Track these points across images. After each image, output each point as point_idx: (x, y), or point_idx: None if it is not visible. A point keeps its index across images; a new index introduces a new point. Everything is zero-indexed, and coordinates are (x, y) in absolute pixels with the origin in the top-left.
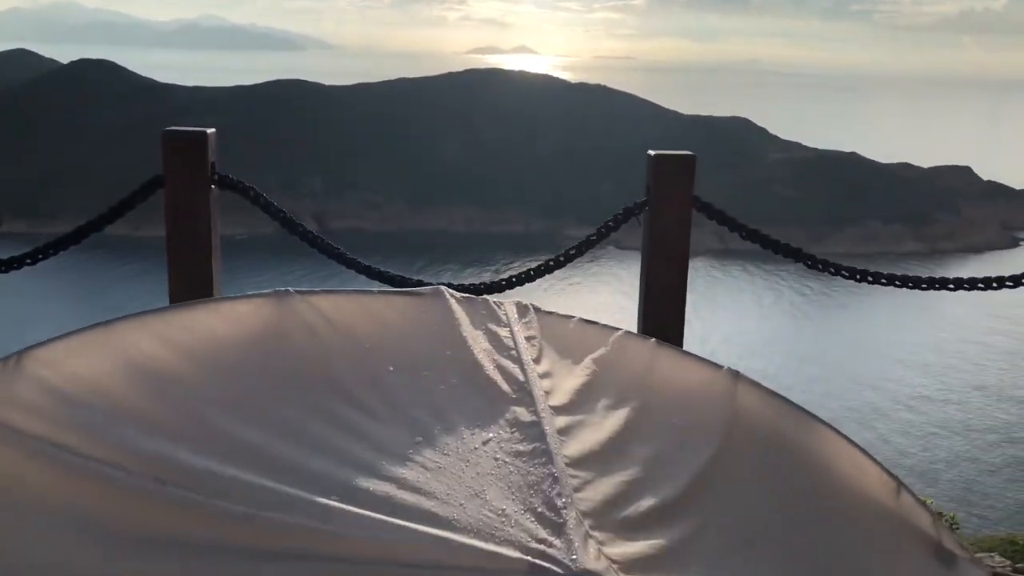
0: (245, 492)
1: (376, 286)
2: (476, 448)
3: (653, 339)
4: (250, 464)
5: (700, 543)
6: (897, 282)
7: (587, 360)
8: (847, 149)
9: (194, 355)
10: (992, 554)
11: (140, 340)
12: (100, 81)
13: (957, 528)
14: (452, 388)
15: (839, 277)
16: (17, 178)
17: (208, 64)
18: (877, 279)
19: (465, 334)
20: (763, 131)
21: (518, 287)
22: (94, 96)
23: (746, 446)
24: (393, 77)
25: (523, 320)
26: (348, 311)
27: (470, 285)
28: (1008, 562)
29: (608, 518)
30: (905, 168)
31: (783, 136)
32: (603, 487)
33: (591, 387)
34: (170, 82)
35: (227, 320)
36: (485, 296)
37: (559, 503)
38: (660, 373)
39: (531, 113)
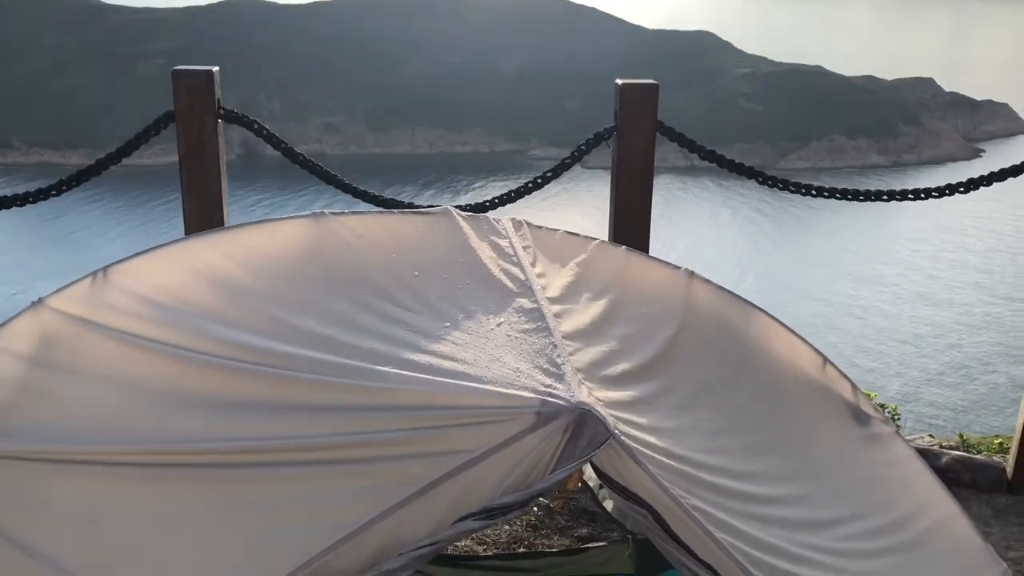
0: (306, 364)
1: (364, 207)
2: (492, 329)
3: (624, 247)
4: (310, 345)
5: (663, 396)
6: (837, 195)
7: (572, 263)
8: (812, 63)
9: (250, 265)
10: (922, 435)
11: (204, 254)
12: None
13: (898, 419)
14: (467, 287)
15: (790, 192)
16: None
17: None
18: (820, 193)
19: (473, 245)
20: (728, 45)
21: (500, 207)
22: (39, 20)
23: (699, 327)
24: None
25: (518, 233)
26: (374, 228)
27: (458, 206)
28: (935, 440)
29: (594, 375)
30: (869, 80)
31: (748, 51)
32: (589, 354)
33: (576, 284)
34: (118, 3)
35: (274, 237)
36: (485, 214)
37: (559, 361)
38: (630, 273)
39: (493, 32)
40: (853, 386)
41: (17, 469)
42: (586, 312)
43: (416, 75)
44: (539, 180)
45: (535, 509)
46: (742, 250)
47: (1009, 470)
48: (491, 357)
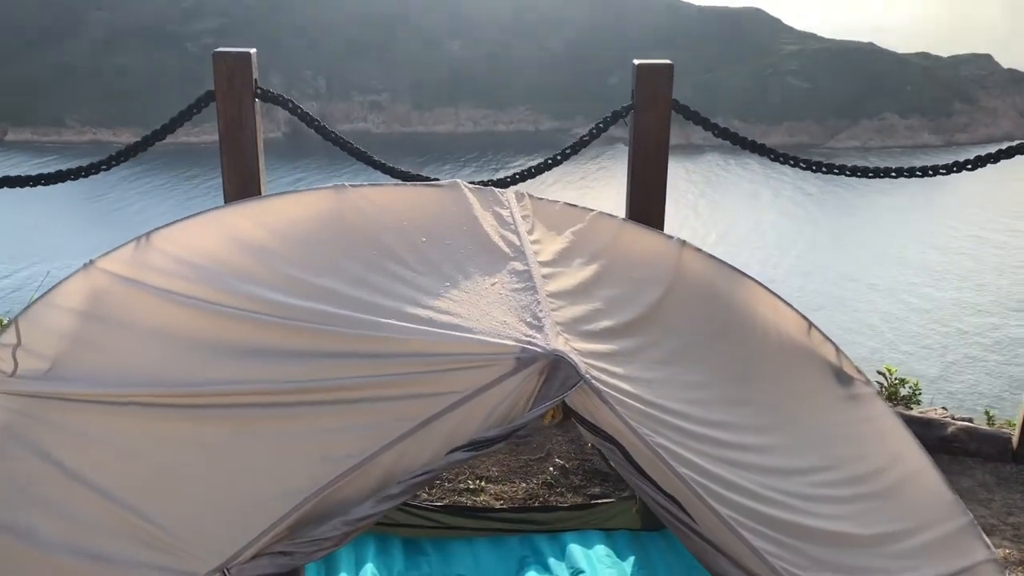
0: (322, 317)
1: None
2: (486, 288)
3: (620, 217)
4: (325, 300)
5: (643, 351)
6: (847, 172)
7: (567, 232)
8: (864, 39)
9: (278, 231)
10: (935, 408)
11: (237, 222)
12: None
13: (919, 394)
14: (468, 251)
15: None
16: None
17: None
18: (830, 170)
19: (476, 214)
20: (777, 21)
21: (520, 183)
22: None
23: (686, 291)
24: None
25: (520, 204)
26: (388, 198)
27: (481, 181)
28: (947, 412)
29: (575, 329)
30: (923, 58)
31: (798, 27)
32: (573, 311)
33: (570, 250)
34: None
35: (299, 206)
36: (491, 187)
37: (540, 316)
38: (623, 241)
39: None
40: (837, 349)
41: (71, 409)
42: (575, 275)
43: (460, 53)
44: (558, 157)
45: (551, 469)
46: (783, 231)
47: (1015, 440)
48: (482, 312)
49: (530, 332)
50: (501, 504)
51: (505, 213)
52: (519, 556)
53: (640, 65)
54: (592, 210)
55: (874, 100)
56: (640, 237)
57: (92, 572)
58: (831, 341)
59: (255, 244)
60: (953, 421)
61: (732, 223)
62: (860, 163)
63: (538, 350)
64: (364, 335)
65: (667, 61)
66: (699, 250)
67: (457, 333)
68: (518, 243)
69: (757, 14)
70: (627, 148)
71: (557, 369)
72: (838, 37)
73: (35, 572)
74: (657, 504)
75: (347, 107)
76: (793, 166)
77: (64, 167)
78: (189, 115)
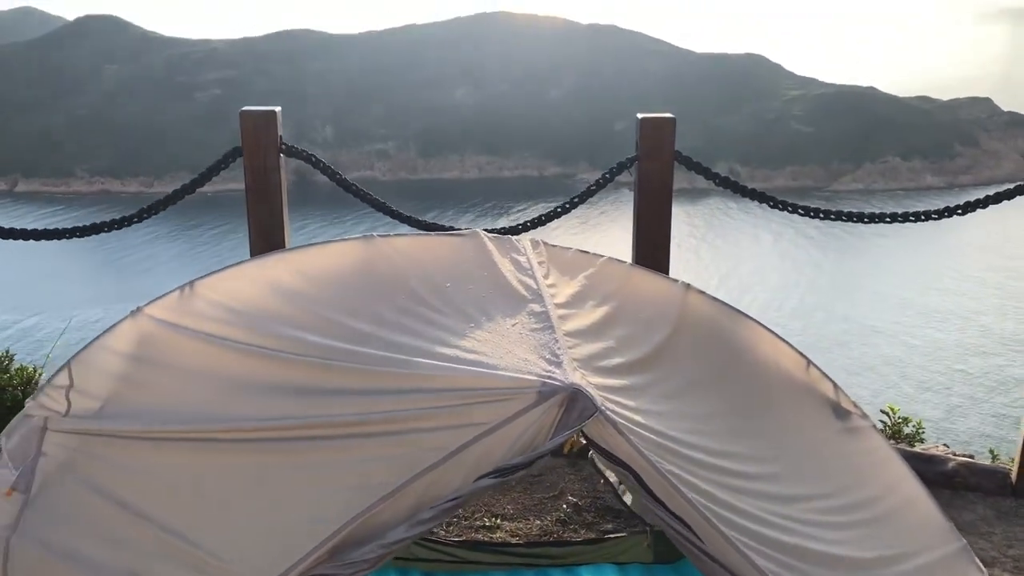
0: (357, 357)
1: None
2: (507, 328)
3: (628, 262)
4: (359, 342)
5: (653, 386)
6: (844, 218)
7: (581, 276)
8: (864, 83)
9: (313, 278)
10: (937, 444)
11: (275, 270)
12: (106, 36)
13: (922, 432)
14: (489, 294)
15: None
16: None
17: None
18: (827, 216)
19: (495, 260)
20: (778, 67)
21: (532, 230)
22: (100, 51)
23: (692, 331)
24: (399, 24)
25: (535, 250)
26: (414, 247)
27: (499, 228)
28: (948, 449)
29: (590, 365)
30: (924, 101)
31: (799, 72)
32: (588, 349)
33: (583, 293)
34: (175, 35)
35: (332, 255)
36: (508, 235)
37: (559, 353)
38: (632, 284)
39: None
40: (835, 385)
41: (122, 446)
42: (589, 316)
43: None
44: (567, 205)
45: (564, 507)
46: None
47: (1013, 475)
48: (505, 350)
49: (549, 368)
50: (516, 540)
51: (522, 259)
52: None
53: (644, 119)
54: (602, 256)
55: (876, 143)
56: (647, 280)
57: None
58: (829, 378)
59: (292, 290)
60: (954, 457)
61: (734, 267)
62: (864, 205)
63: (558, 384)
64: (396, 372)
65: (669, 115)
66: (703, 292)
67: (482, 369)
68: (535, 287)
69: (758, 60)
70: (629, 194)
71: (575, 401)
72: (838, 82)
73: None
74: (669, 526)
75: (353, 156)
76: (792, 212)
77: (75, 218)
78: (218, 169)
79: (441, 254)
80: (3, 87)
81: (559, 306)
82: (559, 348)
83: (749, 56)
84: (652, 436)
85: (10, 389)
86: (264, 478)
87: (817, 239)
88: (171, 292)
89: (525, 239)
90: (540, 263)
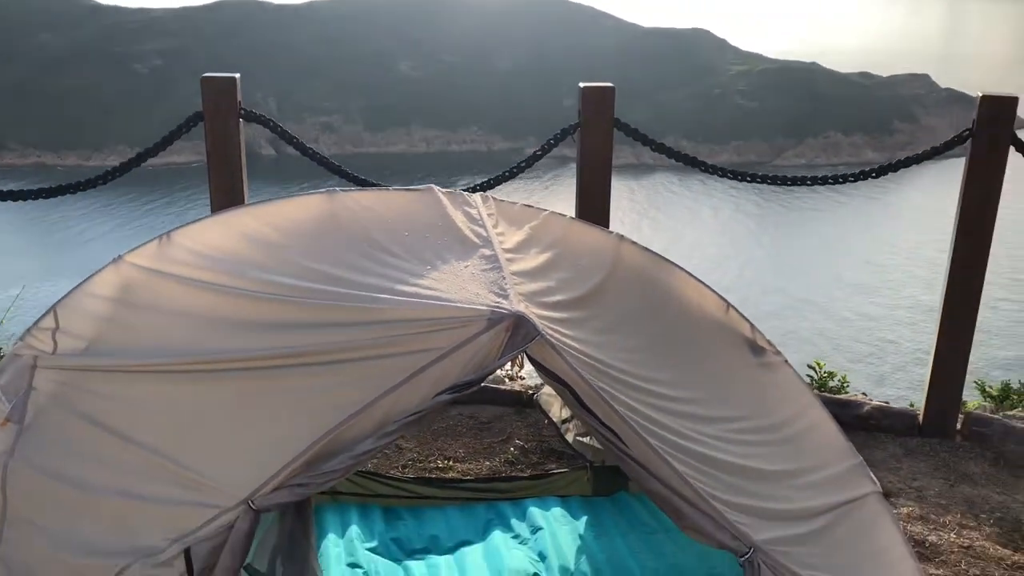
0: (325, 295)
1: None
2: (460, 269)
3: (569, 215)
4: (325, 282)
5: (588, 321)
6: (769, 181)
7: (526, 227)
8: (807, 59)
9: (280, 227)
10: (857, 393)
11: (245, 221)
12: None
13: (847, 386)
14: (444, 241)
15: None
16: None
17: None
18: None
19: (448, 212)
20: (724, 42)
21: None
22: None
23: (624, 275)
24: None
25: (485, 204)
26: (374, 200)
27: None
28: (867, 397)
29: (533, 300)
30: (865, 77)
31: (744, 47)
32: (532, 287)
33: (528, 241)
34: (113, 3)
35: (297, 208)
36: (460, 191)
37: (506, 288)
38: (572, 235)
39: (489, 30)
40: (752, 326)
41: (108, 379)
42: (533, 260)
43: (412, 74)
44: (513, 170)
45: (511, 449)
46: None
47: (920, 417)
48: (458, 287)
49: (498, 299)
50: (468, 476)
51: (473, 212)
52: (485, 519)
53: (585, 87)
54: (546, 210)
55: (818, 119)
56: (586, 232)
57: (136, 510)
58: (747, 319)
59: (261, 238)
60: (868, 401)
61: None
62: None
63: (504, 312)
64: (362, 307)
65: (610, 84)
66: (635, 243)
67: (438, 302)
68: (485, 235)
69: (704, 35)
70: (573, 168)
71: (520, 327)
72: (782, 58)
73: (86, 513)
74: (599, 434)
75: (299, 128)
76: (732, 178)
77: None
78: (179, 134)
79: (399, 207)
80: None
81: (506, 251)
82: (506, 284)
83: (695, 31)
84: (586, 360)
85: None
86: (242, 403)
87: (755, 215)
88: (150, 242)
89: (476, 195)
90: (489, 215)
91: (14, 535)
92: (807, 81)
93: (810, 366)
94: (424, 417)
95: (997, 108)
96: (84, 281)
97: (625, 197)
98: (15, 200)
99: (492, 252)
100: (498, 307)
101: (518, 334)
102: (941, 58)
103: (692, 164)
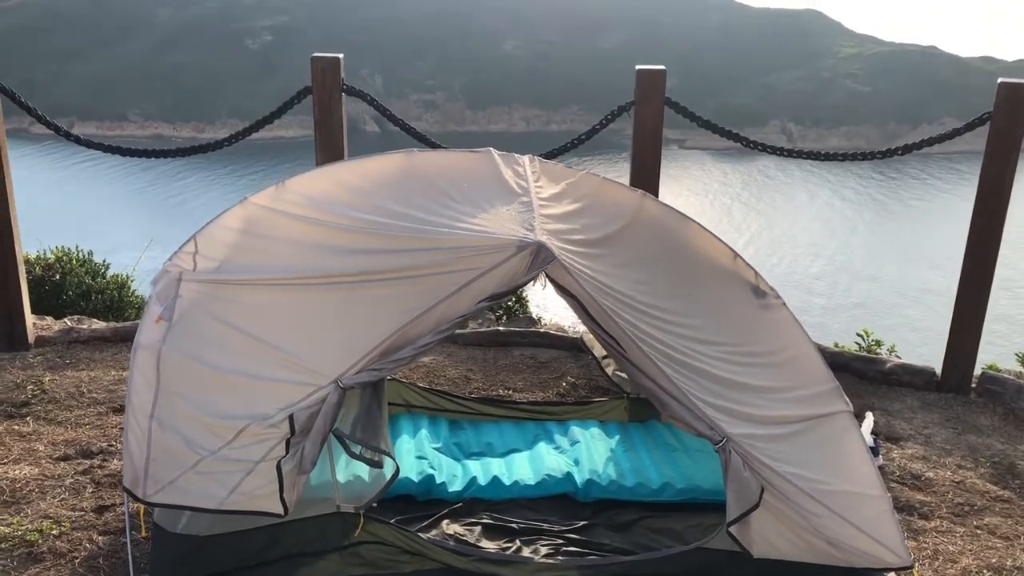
0: (400, 229)
1: None
2: (503, 211)
3: (601, 175)
4: (399, 218)
5: (605, 257)
6: (822, 157)
7: (563, 183)
8: (925, 42)
9: (368, 177)
10: (890, 354)
11: (341, 172)
12: None
13: (895, 351)
14: (494, 191)
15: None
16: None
17: None
18: (790, 154)
19: (500, 169)
20: (837, 25)
21: None
22: None
23: (643, 224)
24: None
25: (531, 164)
26: (442, 159)
27: None
28: (897, 355)
29: (557, 236)
30: (987, 62)
31: (858, 30)
32: (557, 226)
33: (562, 193)
34: None
35: (382, 162)
36: (512, 153)
37: (535, 225)
38: (602, 191)
39: (593, 10)
40: (756, 273)
41: (234, 289)
42: (564, 208)
43: (515, 52)
44: (568, 146)
45: (564, 384)
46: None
47: (939, 373)
48: (499, 224)
49: (526, 233)
50: (523, 399)
51: (520, 169)
52: (533, 434)
53: (640, 70)
54: (582, 171)
55: (934, 105)
56: (614, 189)
57: (254, 385)
58: (752, 267)
59: (353, 186)
60: (891, 359)
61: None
62: (918, 168)
63: (530, 241)
64: (424, 237)
65: (661, 67)
66: (656, 199)
67: (482, 233)
68: (526, 186)
69: (816, 16)
70: (681, 150)
71: (540, 252)
72: (898, 40)
73: (218, 387)
74: (603, 340)
75: (403, 105)
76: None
77: (135, 160)
78: (290, 105)
79: (461, 164)
80: (58, 33)
81: (541, 200)
82: (535, 223)
83: (808, 11)
84: (597, 283)
85: (108, 291)
86: (334, 308)
87: (854, 201)
88: (268, 188)
89: (526, 157)
90: (533, 172)
91: (165, 401)
92: (923, 65)
93: (858, 334)
94: (468, 319)
95: None
96: (216, 216)
97: (718, 180)
98: (138, 157)
99: (528, 199)
100: (525, 238)
101: (539, 257)
102: None
103: (735, 140)
